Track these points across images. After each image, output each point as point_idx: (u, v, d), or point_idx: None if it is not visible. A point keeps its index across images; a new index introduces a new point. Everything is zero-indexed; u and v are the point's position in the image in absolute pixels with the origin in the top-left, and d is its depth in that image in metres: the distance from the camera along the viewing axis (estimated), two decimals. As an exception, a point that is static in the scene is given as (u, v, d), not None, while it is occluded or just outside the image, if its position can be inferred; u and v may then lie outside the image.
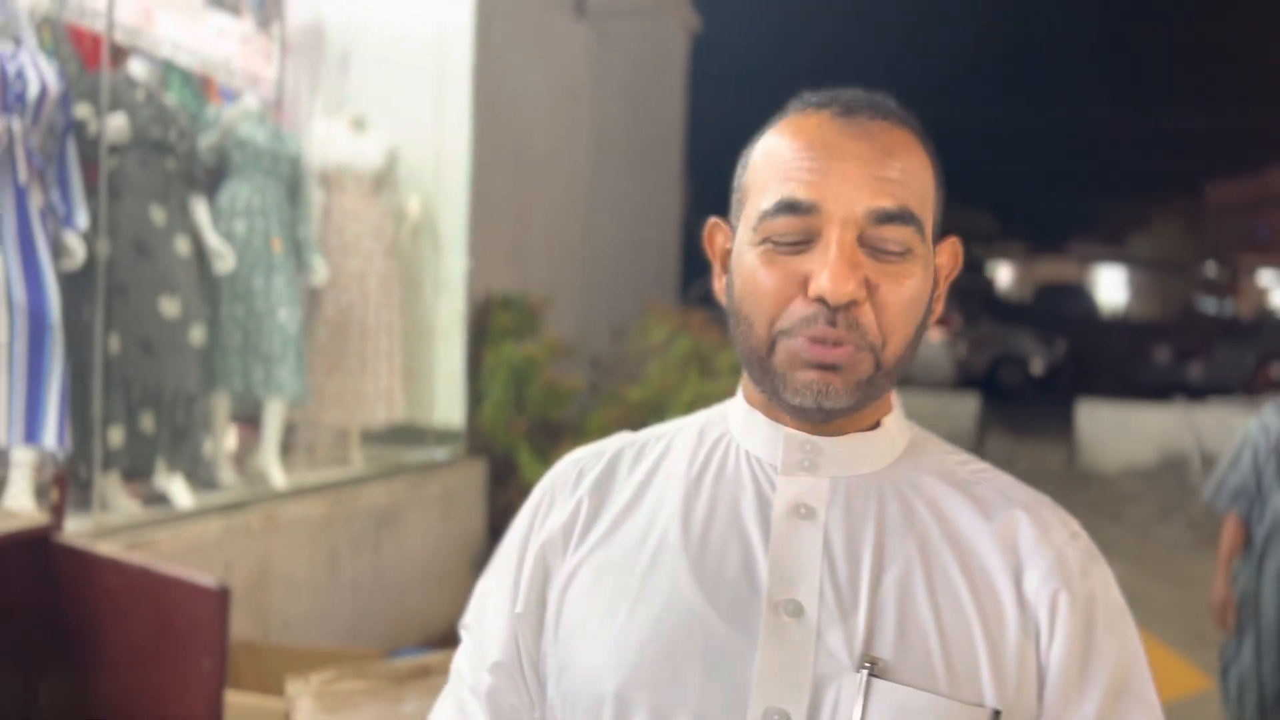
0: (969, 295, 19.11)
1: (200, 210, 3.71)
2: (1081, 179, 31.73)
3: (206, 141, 3.88)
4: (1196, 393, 11.00)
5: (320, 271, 4.21)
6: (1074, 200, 32.22)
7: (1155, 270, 31.43)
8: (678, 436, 0.96)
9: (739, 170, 0.91)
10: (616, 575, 0.89)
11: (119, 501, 3.41)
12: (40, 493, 3.09)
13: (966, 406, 10.01)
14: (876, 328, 0.83)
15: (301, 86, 4.65)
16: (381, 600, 4.21)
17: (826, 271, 0.80)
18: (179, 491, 3.52)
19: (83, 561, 2.03)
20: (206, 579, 1.90)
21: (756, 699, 0.81)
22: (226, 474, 3.93)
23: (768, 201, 0.83)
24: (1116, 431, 9.70)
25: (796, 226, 0.82)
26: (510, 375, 4.95)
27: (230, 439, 4.18)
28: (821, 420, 0.86)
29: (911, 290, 0.84)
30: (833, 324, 0.81)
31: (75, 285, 3.27)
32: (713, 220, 0.93)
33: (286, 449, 4.47)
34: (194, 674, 1.89)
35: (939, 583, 0.84)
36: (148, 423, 3.48)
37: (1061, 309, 20.70)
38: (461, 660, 0.97)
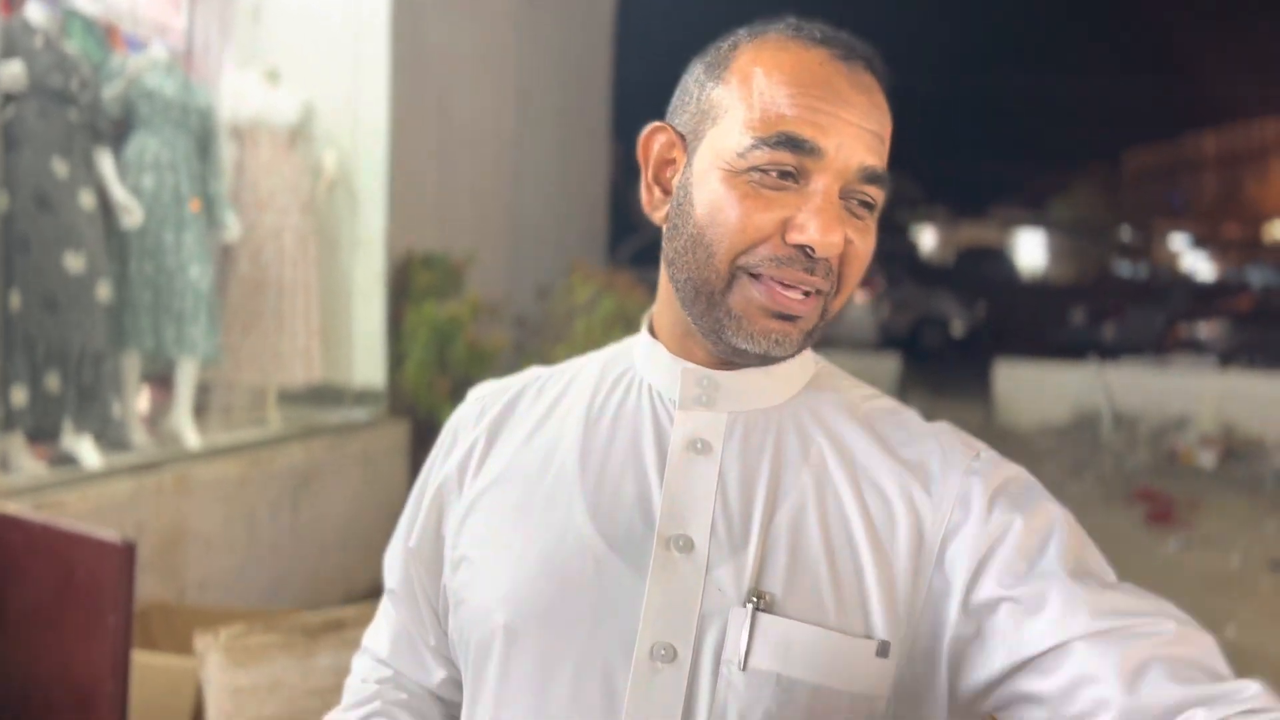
0: (893, 259, 19.42)
1: (106, 163, 3.59)
2: (1004, 146, 32.31)
3: (111, 92, 3.75)
4: (1109, 352, 11.33)
5: (233, 228, 4.11)
6: (996, 166, 32.80)
7: (1073, 235, 32.22)
8: (583, 370, 0.95)
9: (699, 80, 0.86)
10: (512, 508, 0.89)
11: (23, 462, 3.32)
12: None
13: (887, 366, 10.20)
14: (837, 278, 0.83)
15: (212, 37, 4.51)
16: (301, 562, 4.17)
17: (818, 222, 0.79)
18: (87, 452, 3.43)
19: (14, 530, 1.98)
20: (110, 534, 1.87)
21: (644, 633, 0.80)
22: (138, 435, 3.84)
23: (764, 130, 0.79)
24: (1032, 391, 9.98)
25: (790, 163, 0.79)
26: (432, 335, 4.90)
27: (141, 400, 4.08)
28: (758, 363, 0.86)
29: (871, 245, 0.84)
30: (811, 272, 0.80)
31: (-28, 239, 3.15)
32: (657, 124, 0.88)
33: (201, 410, 4.38)
34: (100, 631, 1.85)
35: (833, 517, 0.83)
36: (53, 382, 3.37)
37: (982, 272, 21.13)
38: (382, 601, 1.02)
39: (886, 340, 12.03)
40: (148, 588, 3.28)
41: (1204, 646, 0.77)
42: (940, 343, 15.46)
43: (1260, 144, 30.02)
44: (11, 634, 1.94)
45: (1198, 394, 9.49)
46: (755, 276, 0.81)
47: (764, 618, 0.79)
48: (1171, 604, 0.81)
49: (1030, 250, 32.33)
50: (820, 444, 0.86)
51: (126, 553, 1.83)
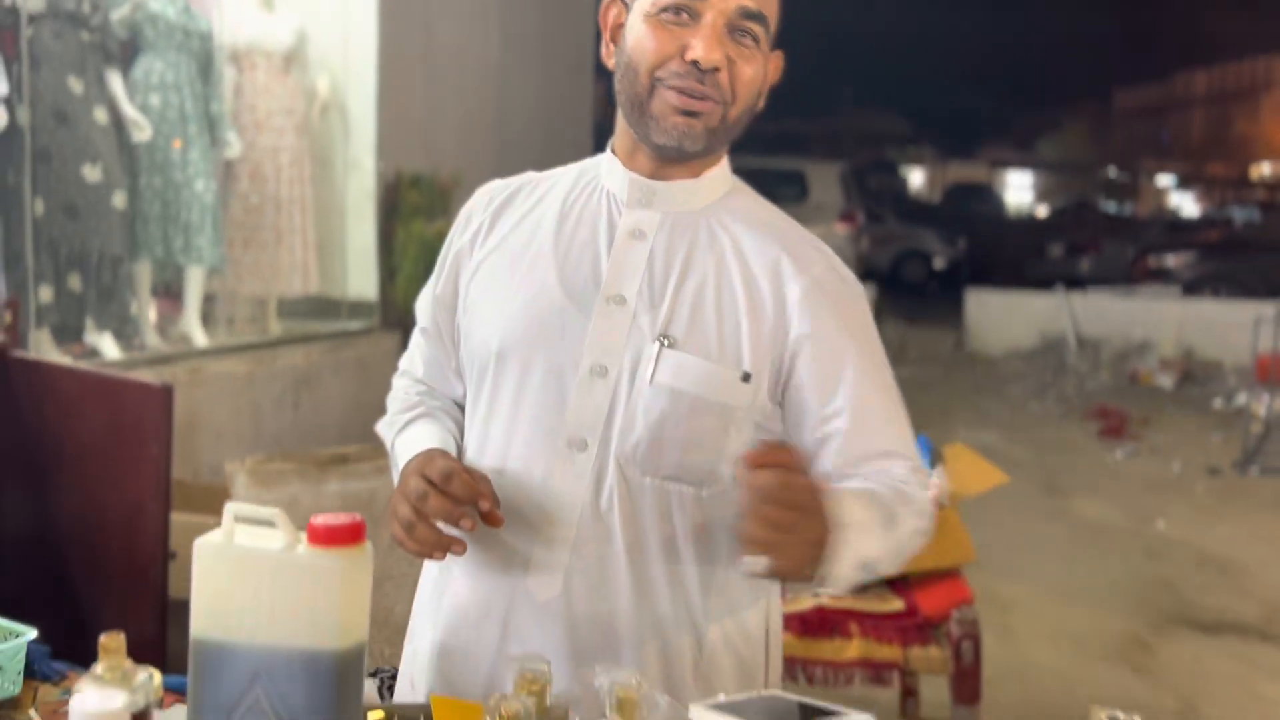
0: (880, 195, 19.66)
1: (115, 82, 3.89)
2: (995, 84, 32.27)
3: (118, 15, 4.03)
4: (1082, 283, 11.68)
5: (234, 145, 4.42)
6: (987, 105, 32.76)
7: (1060, 173, 32.36)
8: (564, 176, 1.31)
9: None
10: (505, 270, 1.26)
11: (51, 356, 3.66)
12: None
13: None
14: (730, 90, 1.17)
15: (210, -35, 4.76)
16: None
17: (703, 44, 1.13)
18: (108, 346, 3.78)
19: (39, 371, 2.33)
20: (151, 379, 2.22)
21: (586, 356, 1.20)
22: (151, 337, 4.19)
23: None
24: (1001, 318, 10.35)
25: (685, 3, 1.14)
26: (421, 252, 5.22)
27: (153, 312, 4.42)
28: (673, 159, 1.21)
29: (754, 69, 1.18)
30: (701, 83, 1.15)
31: (1, 150, 3.47)
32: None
33: (208, 320, 4.71)
34: (144, 460, 2.22)
35: (725, 289, 1.20)
36: (75, 283, 3.71)
37: (968, 209, 21.39)
38: (415, 330, 1.41)
39: (866, 272, 12.33)
40: (167, 466, 3.65)
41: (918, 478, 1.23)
42: (922, 276, 15.81)
43: (1251, 82, 30.09)
44: (71, 465, 2.31)
45: (1160, 320, 9.87)
46: (667, 87, 1.16)
47: (667, 351, 1.18)
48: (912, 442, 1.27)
49: (1017, 188, 32.52)
50: (724, 239, 1.23)
51: (166, 394, 2.19)
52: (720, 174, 1.26)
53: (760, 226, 1.24)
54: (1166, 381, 9.22)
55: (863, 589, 2.86)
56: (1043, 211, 24.35)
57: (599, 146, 1.33)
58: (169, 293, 4.68)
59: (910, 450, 1.23)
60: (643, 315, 1.19)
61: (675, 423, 1.17)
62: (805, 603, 2.77)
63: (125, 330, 3.95)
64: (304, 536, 0.85)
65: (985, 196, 25.48)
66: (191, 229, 4.18)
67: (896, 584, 2.85)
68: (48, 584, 2.30)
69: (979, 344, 10.34)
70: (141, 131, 3.97)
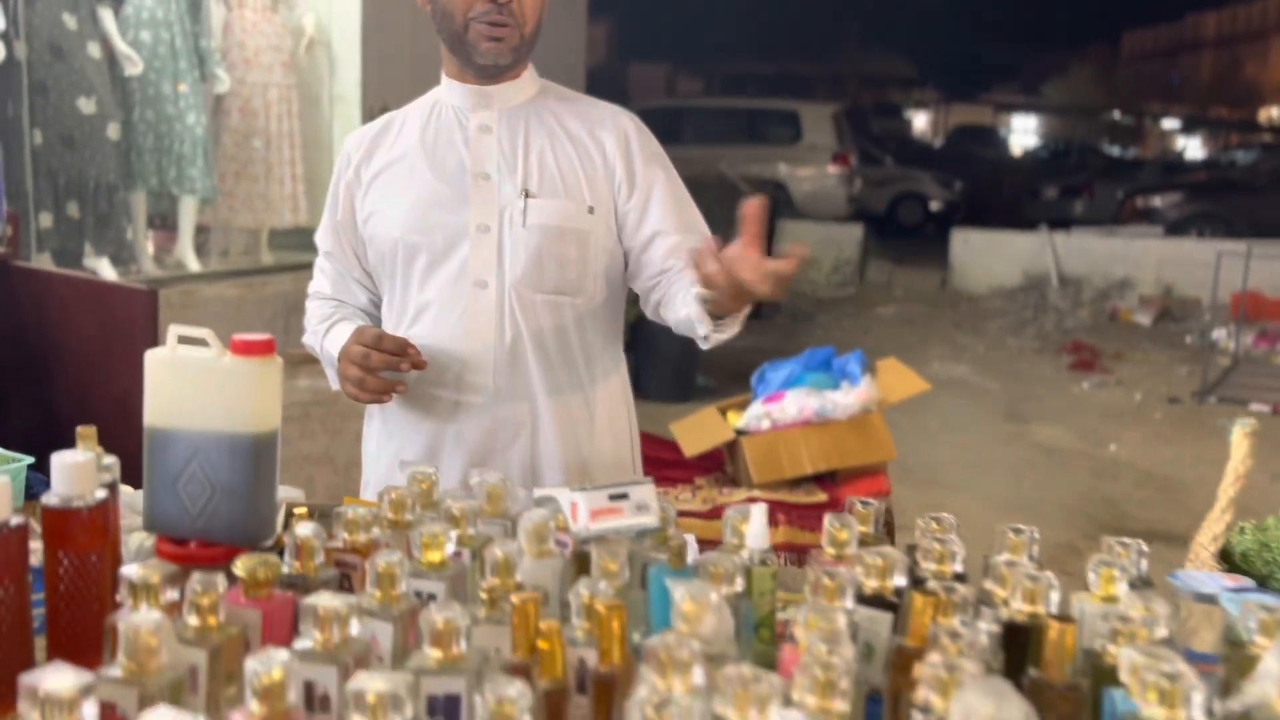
0: (882, 138, 19.70)
1: (107, 18, 4.10)
2: (1003, 28, 31.98)
3: (110, -45, 4.22)
4: (1074, 224, 11.81)
5: (224, 80, 4.63)
6: (994, 48, 32.49)
7: (1065, 116, 32.16)
8: (414, 108, 1.72)
9: None
10: (390, 183, 1.67)
11: (53, 277, 3.92)
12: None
13: (850, 235, 10.73)
14: (521, 14, 1.58)
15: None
16: (294, 376, 4.82)
17: None
18: (105, 269, 4.04)
19: (38, 279, 2.59)
20: (138, 284, 2.48)
21: (469, 220, 1.61)
22: (148, 264, 4.44)
23: None
24: (985, 256, 10.53)
25: None
26: (407, 184, 5.44)
27: (150, 242, 4.66)
28: (493, 75, 1.62)
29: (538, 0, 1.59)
30: (500, 14, 1.56)
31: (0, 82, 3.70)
32: None
33: (202, 251, 4.96)
34: (132, 359, 2.47)
35: (560, 151, 1.63)
36: (74, 210, 3.96)
37: (970, 152, 21.39)
38: (318, 258, 1.78)
39: (860, 214, 12.49)
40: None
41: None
42: (918, 218, 15.93)
43: (1261, 25, 29.79)
44: (68, 363, 2.57)
45: (1141, 259, 10.05)
46: (478, 23, 1.56)
47: (531, 200, 1.61)
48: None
49: (1021, 132, 32.36)
50: (549, 118, 1.66)
51: (151, 297, 2.44)
52: (530, 76, 1.68)
53: (573, 104, 1.69)
54: (1144, 319, 9.43)
55: (793, 484, 3.15)
56: (1044, 155, 24.32)
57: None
58: (165, 224, 4.93)
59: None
60: (505, 182, 1.62)
61: (547, 251, 1.60)
62: (740, 495, 3.04)
63: (122, 256, 4.20)
64: (228, 350, 1.11)
65: (988, 140, 25.43)
66: (184, 161, 4.41)
67: (824, 480, 3.13)
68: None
69: (963, 283, 10.54)
70: (133, 66, 4.19)
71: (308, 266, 5.02)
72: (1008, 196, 15.88)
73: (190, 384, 1.08)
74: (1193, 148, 28.54)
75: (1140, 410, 6.56)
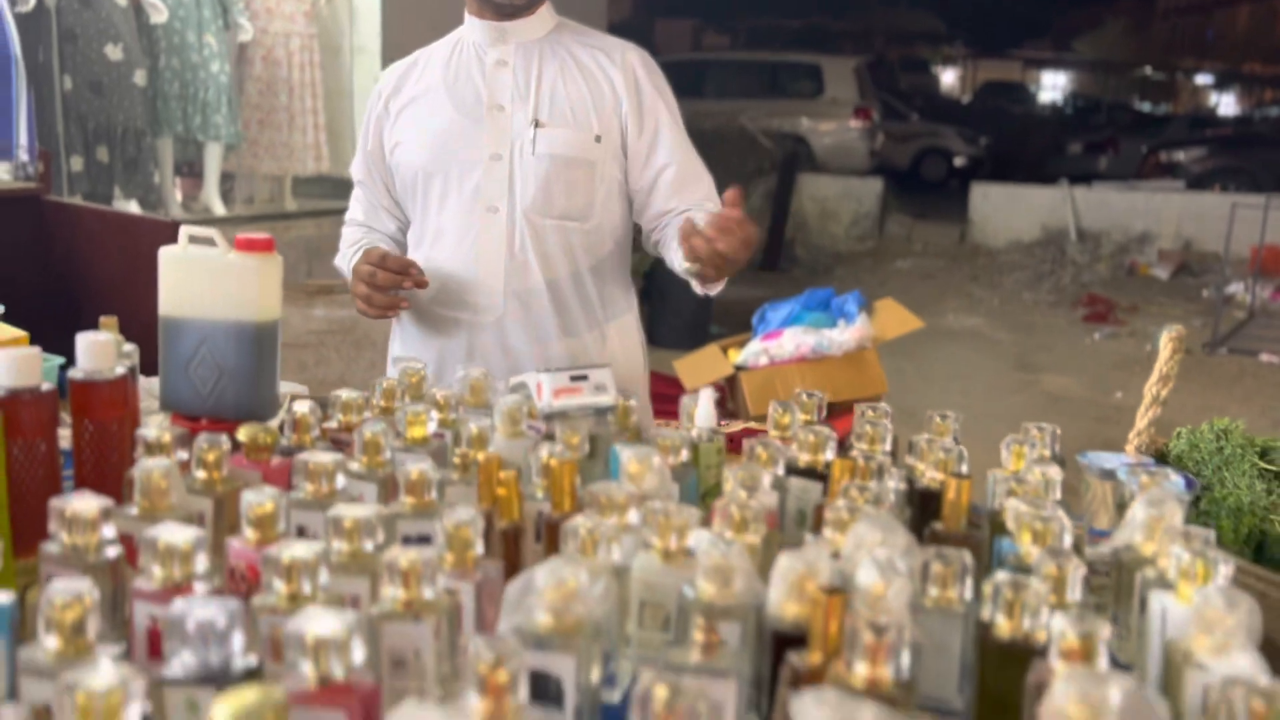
0: (909, 93, 19.55)
1: (133, -32, 4.22)
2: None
3: (134, -95, 4.33)
4: (1094, 179, 11.75)
5: (247, 29, 4.75)
6: (1024, 3, 31.92)
7: (1096, 72, 31.64)
8: (439, 45, 1.83)
9: None
10: (415, 115, 1.79)
11: (84, 219, 4.09)
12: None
13: (870, 189, 10.74)
14: None
15: None
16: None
17: None
18: (134, 211, 4.19)
19: (68, 213, 2.74)
20: (161, 216, 2.62)
21: (486, 149, 1.71)
22: (175, 208, 4.60)
23: None
24: (1005, 210, 10.52)
25: None
26: (425, 133, 5.56)
27: (178, 190, 4.82)
28: (510, 13, 1.74)
29: None
30: None
31: (30, 29, 3.83)
32: None
33: (228, 198, 5.11)
34: (156, 284, 2.63)
35: (570, 83, 1.73)
36: (103, 154, 4.11)
37: (997, 108, 21.18)
38: (353, 192, 1.91)
39: (881, 168, 12.48)
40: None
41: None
42: (942, 173, 15.86)
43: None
44: (95, 295, 2.72)
45: (1161, 213, 10.02)
46: None
47: (540, 130, 1.72)
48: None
49: (1050, 88, 31.89)
50: (561, 52, 1.75)
51: (173, 228, 2.58)
52: (547, 12, 1.78)
53: (585, 38, 1.78)
54: (1162, 273, 9.43)
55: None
56: (1072, 111, 24.02)
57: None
58: (192, 172, 5.07)
59: (715, 200, 1.76)
60: (517, 113, 1.72)
61: (555, 178, 1.70)
62: (737, 427, 3.17)
63: (150, 199, 4.36)
64: (233, 248, 1.25)
65: (1017, 96, 25.12)
66: (209, 107, 4.55)
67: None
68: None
69: (982, 237, 10.55)
70: (158, 14, 4.31)
71: (330, 213, 5.17)
72: (1032, 152, 15.76)
73: (199, 277, 1.22)
74: (1225, 104, 28.06)
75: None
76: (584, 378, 1.23)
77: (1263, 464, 1.54)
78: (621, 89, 1.72)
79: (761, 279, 8.16)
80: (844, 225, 10.53)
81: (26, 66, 3.71)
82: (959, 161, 16.02)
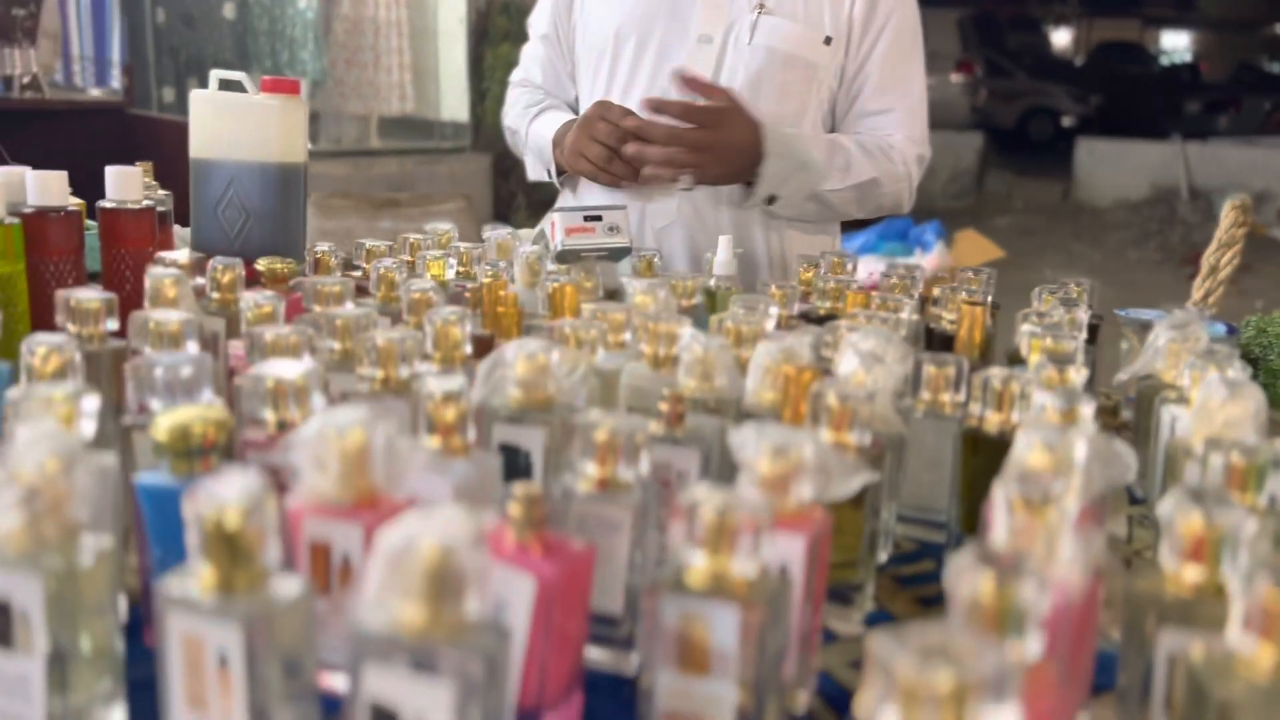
0: (1018, 53, 18.89)
1: (225, -97, 4.32)
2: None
3: None
4: (1213, 136, 11.20)
5: (333, -33, 4.83)
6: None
7: (1222, 30, 30.08)
8: None
9: None
10: None
11: (177, 149, 4.22)
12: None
13: (970, 144, 10.44)
14: None
15: None
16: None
17: None
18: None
19: (151, 125, 2.83)
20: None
21: (695, 27, 1.48)
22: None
23: None
24: (1112, 167, 10.11)
25: None
26: (509, 74, 5.58)
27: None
28: None
29: None
30: None
31: (126, -39, 3.96)
32: None
33: (316, 137, 5.22)
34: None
35: None
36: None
37: (1111, 68, 20.33)
38: (527, 45, 1.71)
39: (982, 124, 12.12)
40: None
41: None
42: (1048, 134, 15.30)
43: None
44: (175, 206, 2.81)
45: (1281, 171, 9.50)
46: None
47: (763, 17, 1.47)
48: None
49: (1170, 49, 30.45)
50: None
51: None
52: None
53: None
54: (1280, 232, 8.95)
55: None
56: (1193, 71, 22.88)
57: None
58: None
59: (915, 132, 1.53)
60: None
61: (769, 76, 1.46)
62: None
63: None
64: (260, 90, 1.26)
65: (1134, 55, 24.07)
66: (296, 44, 4.65)
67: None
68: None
69: (1086, 194, 10.17)
70: (248, -51, 4.41)
71: (414, 152, 5.24)
72: (1147, 112, 15.10)
73: (228, 119, 1.23)
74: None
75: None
76: (598, 218, 1.21)
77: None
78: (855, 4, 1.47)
79: (851, 232, 8.02)
80: (941, 181, 10.26)
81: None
82: (1067, 121, 15.43)
